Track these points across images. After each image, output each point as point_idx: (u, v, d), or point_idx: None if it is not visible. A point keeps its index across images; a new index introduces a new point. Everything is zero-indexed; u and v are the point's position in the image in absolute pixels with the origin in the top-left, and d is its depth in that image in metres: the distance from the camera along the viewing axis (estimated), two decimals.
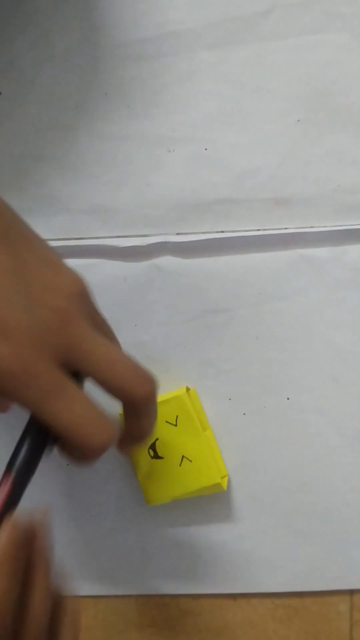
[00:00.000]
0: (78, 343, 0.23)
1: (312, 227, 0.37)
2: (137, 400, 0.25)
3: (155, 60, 0.39)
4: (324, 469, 0.36)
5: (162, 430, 0.34)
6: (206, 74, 0.38)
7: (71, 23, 0.39)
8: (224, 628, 0.38)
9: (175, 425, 0.34)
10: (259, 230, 0.37)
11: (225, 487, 0.34)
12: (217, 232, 0.38)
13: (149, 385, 0.25)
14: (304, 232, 0.36)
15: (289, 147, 0.37)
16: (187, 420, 0.34)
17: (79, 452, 0.25)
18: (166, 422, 0.34)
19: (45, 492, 0.37)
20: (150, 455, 0.34)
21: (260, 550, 0.36)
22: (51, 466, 0.37)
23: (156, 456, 0.34)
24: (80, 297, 0.24)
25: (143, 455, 0.34)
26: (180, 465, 0.33)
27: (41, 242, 0.25)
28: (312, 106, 0.37)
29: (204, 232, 0.38)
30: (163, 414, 0.34)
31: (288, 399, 0.37)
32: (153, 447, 0.34)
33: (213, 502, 0.36)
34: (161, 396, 0.35)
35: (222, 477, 0.34)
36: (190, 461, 0.33)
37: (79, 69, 0.39)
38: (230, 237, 0.37)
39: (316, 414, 0.36)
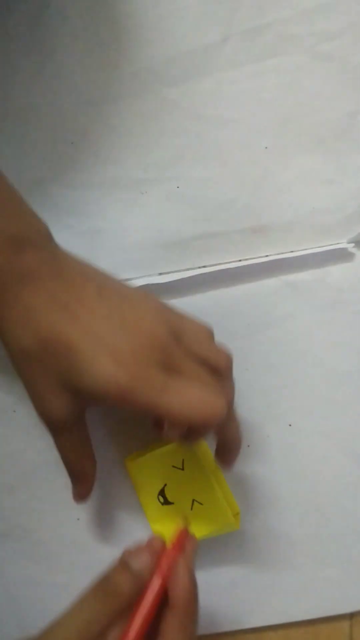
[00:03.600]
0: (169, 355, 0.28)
1: (292, 251, 0.37)
2: (201, 426, 0.28)
3: (117, 103, 0.38)
4: (334, 491, 0.36)
5: (169, 476, 0.34)
6: (170, 111, 0.38)
7: (31, 74, 0.39)
8: None
9: (182, 469, 0.33)
10: (240, 260, 0.37)
11: (238, 526, 0.34)
12: (199, 267, 0.38)
13: (213, 409, 0.28)
14: (286, 259, 0.36)
15: (260, 175, 0.37)
16: (194, 462, 0.33)
17: (197, 430, 0.30)
18: (173, 466, 0.34)
19: (69, 553, 0.37)
20: (161, 502, 0.34)
21: (282, 581, 0.36)
22: (65, 529, 0.37)
23: (166, 502, 0.34)
24: (162, 321, 0.29)
25: (153, 502, 0.34)
26: (191, 509, 0.33)
27: (126, 289, 0.31)
28: (278, 131, 0.37)
29: (186, 269, 0.37)
30: (169, 459, 0.34)
31: (290, 425, 0.36)
32: (162, 493, 0.34)
33: (229, 539, 0.36)
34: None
35: (234, 515, 0.34)
36: (201, 504, 0.33)
37: (42, 120, 0.39)
38: (213, 271, 0.37)
39: (320, 437, 0.36)
